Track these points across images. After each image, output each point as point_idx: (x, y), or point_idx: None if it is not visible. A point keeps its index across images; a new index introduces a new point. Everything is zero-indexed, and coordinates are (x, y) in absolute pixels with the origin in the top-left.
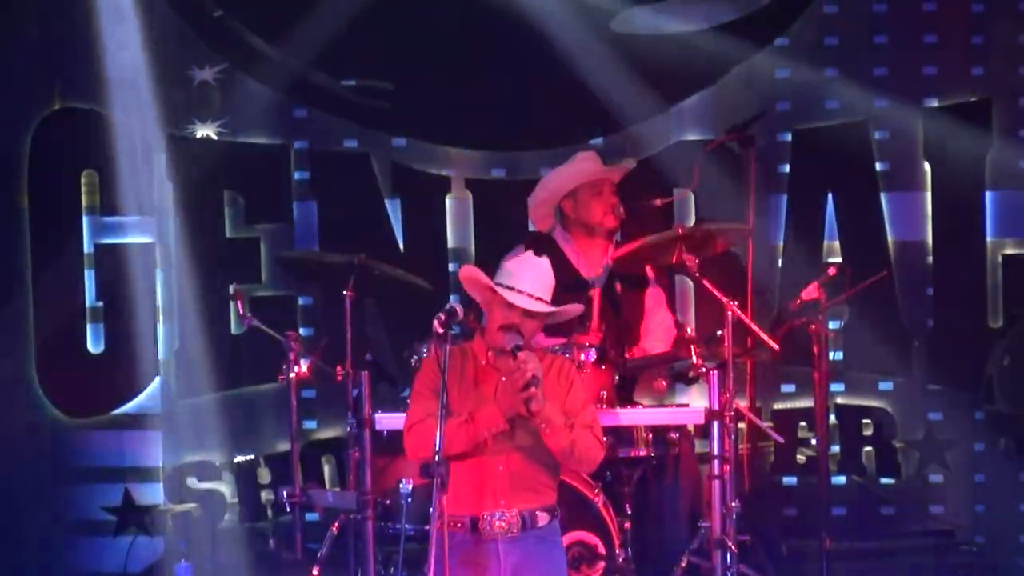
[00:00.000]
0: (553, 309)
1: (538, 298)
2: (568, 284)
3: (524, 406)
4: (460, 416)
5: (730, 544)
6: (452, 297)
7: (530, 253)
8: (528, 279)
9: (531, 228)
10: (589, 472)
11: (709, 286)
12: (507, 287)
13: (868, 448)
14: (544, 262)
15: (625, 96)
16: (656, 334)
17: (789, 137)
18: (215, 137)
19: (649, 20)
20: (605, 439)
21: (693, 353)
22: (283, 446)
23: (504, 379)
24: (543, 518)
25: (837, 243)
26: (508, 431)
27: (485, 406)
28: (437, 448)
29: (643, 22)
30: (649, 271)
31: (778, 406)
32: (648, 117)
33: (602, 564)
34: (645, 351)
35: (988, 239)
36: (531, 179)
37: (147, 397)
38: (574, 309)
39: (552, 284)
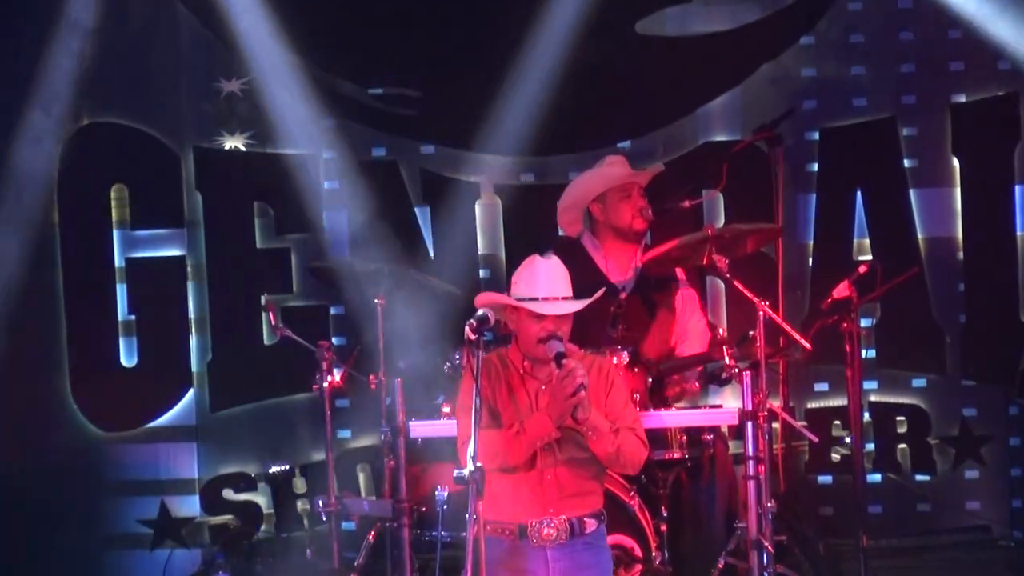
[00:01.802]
0: (582, 303)
1: (563, 298)
2: (596, 288)
3: (571, 414)
4: (511, 428)
5: (767, 544)
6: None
7: (535, 258)
8: (545, 284)
9: (560, 233)
10: (634, 474)
11: (740, 287)
12: (529, 299)
13: (903, 445)
14: (552, 260)
15: (652, 98)
16: (690, 337)
17: (817, 135)
18: (243, 148)
19: (674, 22)
20: None
21: (725, 354)
22: (318, 456)
23: (546, 387)
24: (591, 524)
25: (867, 241)
26: (556, 440)
27: (534, 416)
28: (471, 454)
29: (668, 24)
30: (679, 273)
31: (811, 405)
32: (675, 119)
33: (639, 567)
34: (679, 353)
35: (1018, 233)
36: (560, 183)
37: (181, 409)
38: (598, 296)
39: (567, 277)
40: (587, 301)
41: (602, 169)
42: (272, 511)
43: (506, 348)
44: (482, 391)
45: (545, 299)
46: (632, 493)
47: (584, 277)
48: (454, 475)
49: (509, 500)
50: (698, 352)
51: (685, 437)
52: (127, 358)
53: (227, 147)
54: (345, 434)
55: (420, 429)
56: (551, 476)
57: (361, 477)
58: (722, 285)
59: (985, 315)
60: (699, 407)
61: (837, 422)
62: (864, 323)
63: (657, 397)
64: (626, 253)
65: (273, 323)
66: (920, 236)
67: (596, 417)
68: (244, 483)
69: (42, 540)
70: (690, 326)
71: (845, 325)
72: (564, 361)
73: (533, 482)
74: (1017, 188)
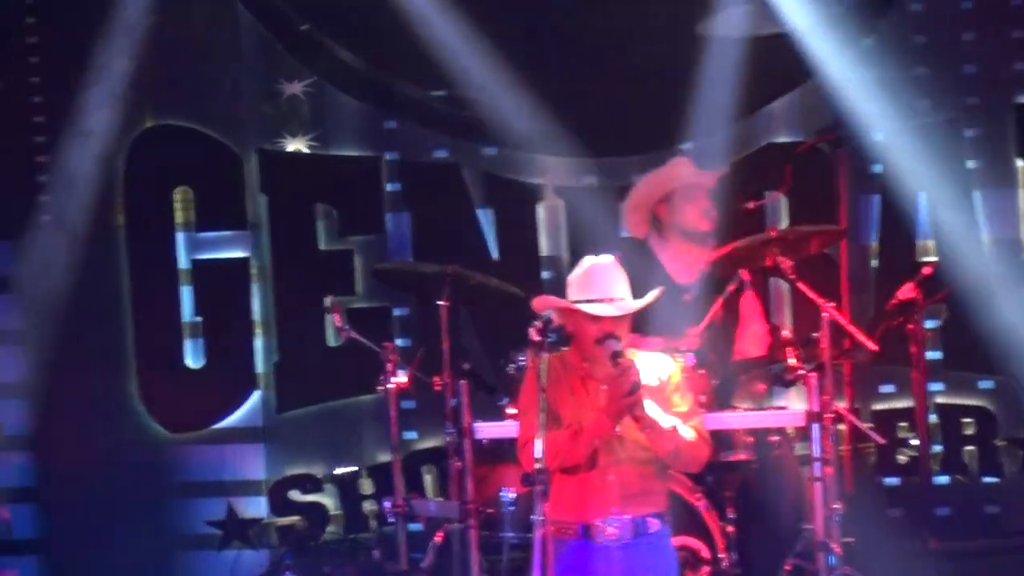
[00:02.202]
0: (638, 304)
1: (619, 299)
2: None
3: (629, 412)
4: (569, 428)
5: (834, 546)
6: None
7: (591, 259)
8: (600, 285)
9: (626, 234)
10: (696, 471)
11: (805, 288)
12: (585, 301)
13: (969, 447)
14: (608, 260)
15: (715, 99)
16: (751, 341)
17: (880, 137)
18: (306, 151)
19: (737, 23)
20: None
21: (791, 356)
22: (384, 457)
23: (606, 387)
24: (654, 524)
25: (931, 242)
26: (616, 438)
27: (592, 415)
28: (538, 456)
29: (732, 25)
30: (743, 275)
31: (877, 407)
32: (738, 120)
33: (707, 568)
34: (740, 356)
35: None
36: (622, 185)
37: (247, 411)
38: (655, 297)
39: (623, 277)
40: (643, 302)
41: (667, 170)
42: (339, 512)
43: (566, 350)
44: (538, 392)
45: (600, 300)
46: (699, 495)
47: (650, 279)
48: (521, 475)
49: (573, 500)
50: (759, 355)
51: (752, 439)
52: (193, 360)
53: (290, 149)
54: (411, 435)
55: (486, 430)
56: (613, 475)
57: (427, 478)
58: (786, 287)
59: None
60: (765, 409)
61: (903, 424)
62: (929, 324)
63: (722, 398)
64: (692, 254)
65: (338, 325)
66: (984, 237)
67: (655, 415)
68: (311, 484)
69: (111, 542)
70: (751, 331)
71: (910, 327)
72: (619, 360)
73: (596, 482)
74: None
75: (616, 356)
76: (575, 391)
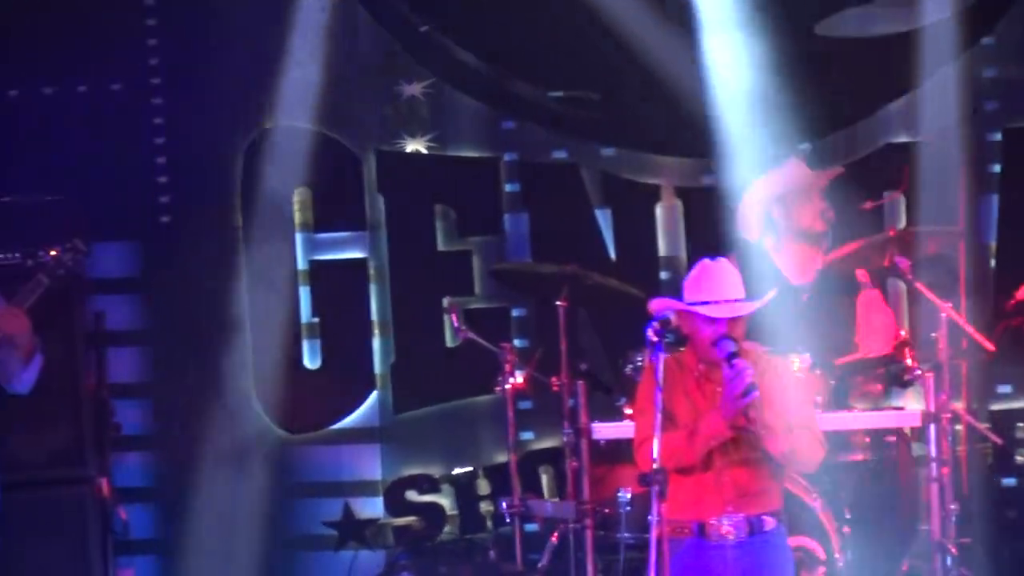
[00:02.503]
0: (754, 305)
1: (735, 300)
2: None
3: (744, 413)
4: (684, 429)
5: (950, 547)
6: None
7: (705, 261)
8: (715, 286)
9: (741, 235)
10: (811, 472)
11: (923, 288)
12: (700, 303)
13: None
14: (722, 262)
15: (832, 100)
16: (875, 336)
17: (999, 136)
18: (425, 151)
19: (854, 23)
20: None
21: (908, 356)
22: (501, 457)
23: (721, 388)
24: (769, 522)
25: None
26: (731, 439)
27: (707, 415)
28: (654, 457)
29: (848, 25)
30: (861, 275)
31: (995, 407)
32: (855, 120)
33: (822, 569)
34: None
35: None
36: (741, 185)
37: (365, 411)
38: (770, 298)
39: (738, 279)
40: (758, 303)
41: (782, 171)
42: (455, 512)
43: (683, 351)
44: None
45: (716, 302)
46: (815, 495)
47: (764, 280)
48: (638, 476)
49: (688, 499)
50: (884, 352)
51: (868, 439)
52: (311, 360)
53: (409, 150)
54: (528, 435)
55: (603, 431)
56: (728, 475)
57: (544, 479)
58: (903, 287)
59: None
60: (882, 409)
61: (1021, 424)
62: None
63: (839, 399)
64: (807, 255)
65: (456, 325)
66: None
67: (769, 416)
68: (427, 485)
69: (227, 542)
70: (874, 325)
71: None
72: (734, 361)
73: (710, 481)
74: None
75: (731, 357)
76: (690, 392)
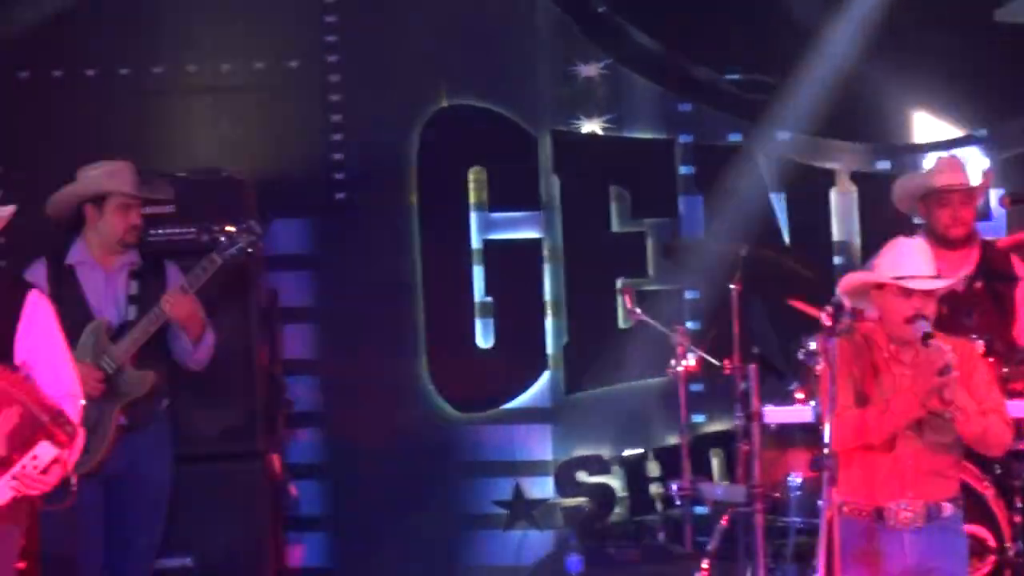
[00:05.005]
0: (950, 282)
1: (932, 276)
2: None
3: (938, 394)
4: (876, 406)
5: None
6: (837, 291)
7: (900, 239)
8: (912, 262)
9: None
10: (999, 455)
11: None
12: (895, 277)
13: None
14: (917, 240)
15: (1011, 87)
16: None
17: None
18: (600, 132)
19: None
20: None
21: None
22: (672, 440)
23: (915, 368)
24: (948, 508)
25: None
26: (917, 423)
27: (899, 394)
28: (826, 440)
29: None
30: (1020, 267)
31: None
32: None
33: (992, 558)
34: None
35: None
36: (915, 172)
37: (536, 391)
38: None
39: (932, 258)
40: (953, 280)
41: (926, 173)
42: (625, 494)
43: (873, 326)
44: (847, 371)
45: (913, 276)
46: (987, 483)
47: None
48: (810, 460)
49: (866, 481)
50: None
51: None
52: (484, 339)
53: (584, 131)
54: (699, 418)
55: (774, 415)
56: (910, 460)
57: (714, 462)
58: None
59: None
60: None
61: None
62: None
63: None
64: (947, 258)
65: (629, 307)
66: None
67: (963, 397)
68: (598, 466)
69: (397, 519)
70: None
71: None
72: (931, 341)
73: (891, 464)
74: None
75: (927, 337)
76: (881, 370)
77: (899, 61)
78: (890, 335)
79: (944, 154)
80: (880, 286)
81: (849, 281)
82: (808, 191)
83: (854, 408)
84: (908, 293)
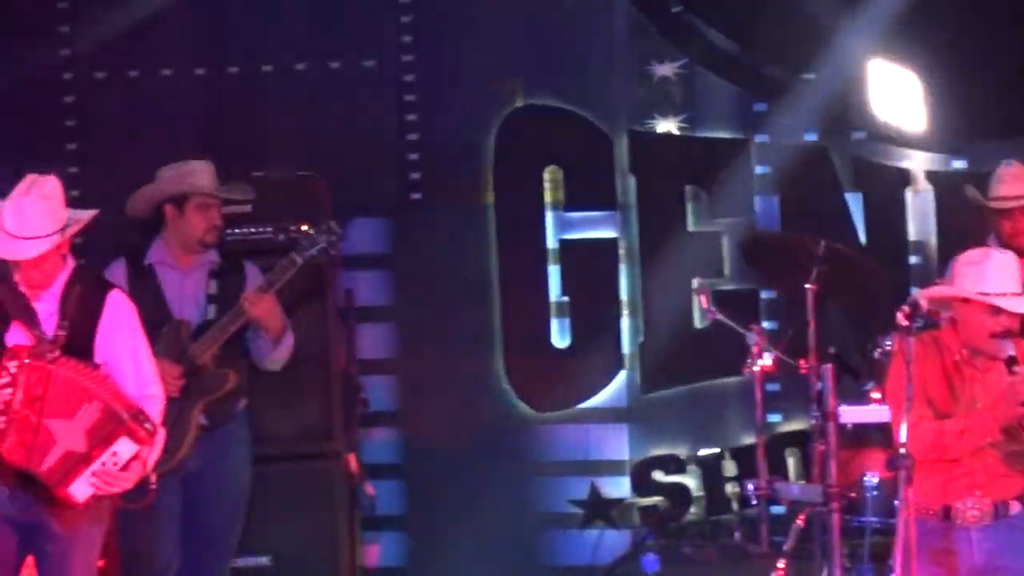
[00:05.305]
0: None
1: (1019, 294)
2: None
3: (1018, 421)
4: (956, 424)
5: None
6: (913, 290)
7: (991, 251)
8: (999, 279)
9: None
10: None
11: None
12: (995, 295)
13: None
14: (1008, 255)
15: None
16: None
17: None
18: (676, 132)
19: None
20: None
21: None
22: (748, 439)
23: (989, 386)
24: (1015, 507)
25: None
26: None
27: (977, 415)
28: (902, 442)
29: None
30: None
31: None
32: None
33: None
34: None
35: None
36: (993, 171)
37: (612, 391)
38: None
39: (1019, 273)
40: None
41: (990, 182)
42: (701, 494)
43: (944, 330)
44: (916, 375)
45: (1005, 294)
46: None
47: None
48: (886, 460)
49: (936, 483)
50: None
51: None
52: (560, 339)
53: (660, 130)
54: (775, 418)
55: (850, 414)
56: (980, 461)
57: (790, 461)
58: None
59: None
60: None
61: None
62: None
63: None
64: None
65: (705, 306)
66: None
67: None
68: (674, 465)
69: (473, 518)
70: None
71: None
72: (1016, 368)
73: (961, 466)
74: None
75: (1012, 362)
76: (950, 375)
77: (971, 57)
78: (967, 344)
79: (1009, 163)
80: (966, 300)
81: (934, 292)
82: (884, 191)
83: (931, 419)
84: (997, 311)
